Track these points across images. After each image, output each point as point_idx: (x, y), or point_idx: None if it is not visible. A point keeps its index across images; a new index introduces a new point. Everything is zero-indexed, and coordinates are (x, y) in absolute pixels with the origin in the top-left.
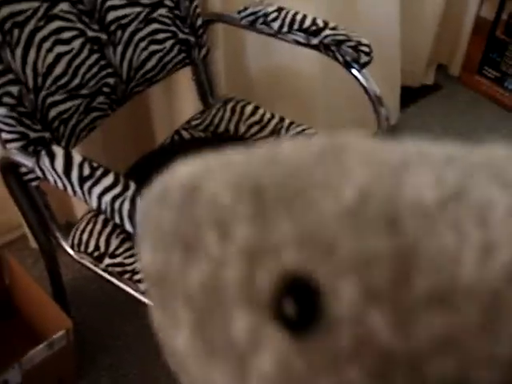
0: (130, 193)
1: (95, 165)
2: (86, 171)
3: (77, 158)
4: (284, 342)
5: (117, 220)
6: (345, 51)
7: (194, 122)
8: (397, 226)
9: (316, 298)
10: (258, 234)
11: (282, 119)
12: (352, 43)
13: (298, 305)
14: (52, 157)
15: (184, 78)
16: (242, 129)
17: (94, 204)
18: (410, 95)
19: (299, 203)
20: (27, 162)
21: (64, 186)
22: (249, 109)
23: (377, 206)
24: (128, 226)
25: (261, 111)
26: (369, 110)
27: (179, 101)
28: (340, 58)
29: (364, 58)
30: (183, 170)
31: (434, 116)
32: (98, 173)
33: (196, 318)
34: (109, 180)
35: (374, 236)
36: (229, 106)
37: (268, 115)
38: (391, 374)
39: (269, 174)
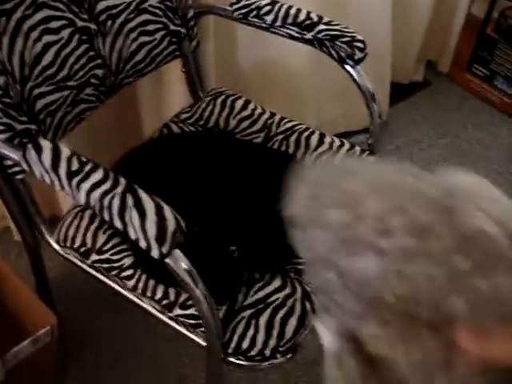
0: (119, 189)
1: (84, 159)
2: (75, 166)
3: (65, 151)
4: None
5: (106, 217)
6: (339, 46)
7: (183, 116)
8: None
9: None
10: None
11: (272, 114)
12: (346, 39)
13: None
14: (39, 150)
15: (173, 71)
16: (233, 123)
17: (83, 200)
18: (399, 91)
19: None
20: (13, 154)
21: (51, 180)
22: (239, 103)
23: None
24: (118, 223)
25: (251, 106)
26: (358, 105)
27: (168, 93)
28: (334, 54)
29: (358, 54)
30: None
31: (423, 112)
32: (87, 168)
33: None
34: (98, 175)
35: None
36: (219, 100)
37: (259, 110)
38: None
39: None
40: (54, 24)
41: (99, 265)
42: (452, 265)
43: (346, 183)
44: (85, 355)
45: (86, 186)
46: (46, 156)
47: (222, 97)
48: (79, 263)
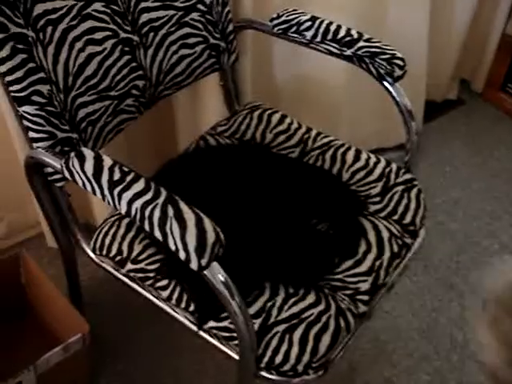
0: (161, 199)
1: (126, 169)
2: (117, 175)
3: (107, 161)
4: None
5: (146, 227)
6: (378, 64)
7: (220, 128)
8: None
9: None
10: None
11: (309, 129)
12: (386, 56)
13: None
14: (82, 159)
15: (210, 83)
16: (269, 137)
17: (124, 209)
18: (432, 109)
19: None
20: (55, 162)
21: (93, 189)
22: (276, 117)
23: None
24: (158, 234)
25: (288, 120)
26: (391, 122)
27: (204, 106)
28: (373, 71)
29: (398, 72)
30: None
31: (456, 131)
32: (129, 178)
33: None
34: (140, 185)
35: None
36: (256, 114)
37: (295, 124)
38: None
39: None
40: (98, 35)
41: (134, 274)
42: None
43: None
44: (114, 363)
45: (128, 195)
46: (89, 165)
47: (259, 110)
48: (114, 272)
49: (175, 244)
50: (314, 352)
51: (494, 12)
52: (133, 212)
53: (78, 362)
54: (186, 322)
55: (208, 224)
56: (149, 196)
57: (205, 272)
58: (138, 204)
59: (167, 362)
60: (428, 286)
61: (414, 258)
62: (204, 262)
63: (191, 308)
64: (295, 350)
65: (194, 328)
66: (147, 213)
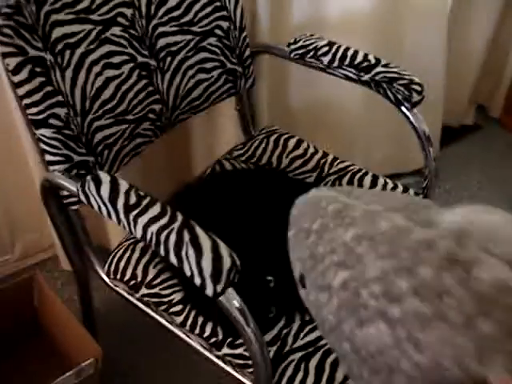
0: (177, 224)
1: (142, 193)
2: (133, 199)
3: (123, 185)
4: None
5: (161, 252)
6: (396, 89)
7: (236, 153)
8: None
9: None
10: None
11: (325, 154)
12: (404, 81)
13: None
14: (98, 183)
15: (226, 108)
16: (285, 162)
17: (139, 234)
18: (449, 134)
19: None
20: (71, 185)
21: (108, 213)
22: (292, 142)
23: None
24: (173, 259)
25: (304, 145)
26: (406, 147)
27: (220, 130)
28: (391, 96)
29: (416, 97)
30: None
31: (473, 157)
32: (145, 202)
33: None
34: (155, 210)
35: None
36: (272, 138)
37: (311, 149)
38: None
39: None
40: (116, 59)
41: (148, 299)
42: (476, 328)
43: (345, 235)
44: None
45: (144, 220)
46: (105, 189)
47: (275, 135)
48: (128, 296)
49: (190, 269)
50: (331, 381)
51: None
52: (148, 236)
53: None
54: (200, 349)
55: (224, 250)
56: (165, 221)
57: (220, 298)
58: (153, 228)
59: None
60: None
61: None
62: (220, 287)
63: (205, 334)
64: (311, 378)
65: (208, 354)
66: (163, 238)
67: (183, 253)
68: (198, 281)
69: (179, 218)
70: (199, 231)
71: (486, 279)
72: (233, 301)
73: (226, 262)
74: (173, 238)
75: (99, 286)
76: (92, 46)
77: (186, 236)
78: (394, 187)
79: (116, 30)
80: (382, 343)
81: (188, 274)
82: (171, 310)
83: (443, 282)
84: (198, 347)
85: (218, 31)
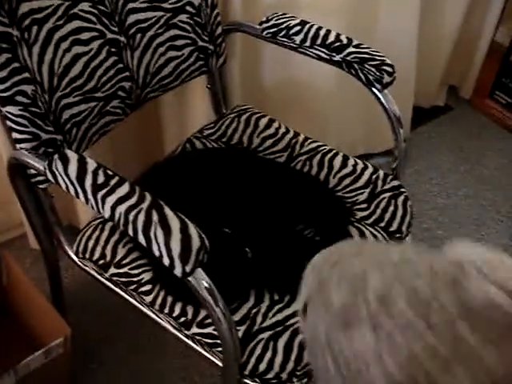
0: (145, 204)
1: (110, 173)
2: (101, 179)
3: (91, 164)
4: None
5: (130, 232)
6: (368, 70)
7: (206, 132)
8: None
9: None
10: None
11: (296, 134)
12: (375, 62)
13: None
14: (66, 161)
15: (197, 86)
16: (256, 141)
17: (107, 214)
18: (420, 115)
19: None
20: (38, 164)
21: (76, 192)
22: (263, 121)
23: None
24: (142, 239)
25: (275, 124)
26: (378, 127)
27: (191, 109)
28: (362, 77)
29: (387, 78)
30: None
31: (443, 137)
32: (113, 181)
33: None
34: (124, 190)
35: None
36: (243, 118)
37: (283, 129)
38: None
39: None
40: (85, 35)
41: (117, 278)
42: (457, 337)
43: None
44: (96, 368)
45: (112, 200)
46: (73, 168)
47: (247, 114)
48: (97, 276)
49: (159, 250)
50: (299, 360)
51: (483, 19)
52: (116, 216)
53: (59, 366)
54: (170, 328)
55: (193, 230)
56: (133, 200)
57: (189, 278)
58: (121, 208)
59: (151, 368)
60: None
61: None
62: (188, 268)
63: (175, 313)
64: (279, 357)
65: (178, 333)
66: (131, 218)
67: (152, 233)
68: (166, 261)
69: (148, 197)
70: (168, 211)
71: (477, 296)
72: (201, 281)
73: (195, 243)
74: (141, 218)
75: (69, 265)
76: (60, 22)
77: (155, 216)
78: (364, 168)
79: (85, 5)
80: (363, 349)
81: (157, 254)
82: (140, 289)
83: (432, 292)
84: (168, 326)
85: (189, 8)
